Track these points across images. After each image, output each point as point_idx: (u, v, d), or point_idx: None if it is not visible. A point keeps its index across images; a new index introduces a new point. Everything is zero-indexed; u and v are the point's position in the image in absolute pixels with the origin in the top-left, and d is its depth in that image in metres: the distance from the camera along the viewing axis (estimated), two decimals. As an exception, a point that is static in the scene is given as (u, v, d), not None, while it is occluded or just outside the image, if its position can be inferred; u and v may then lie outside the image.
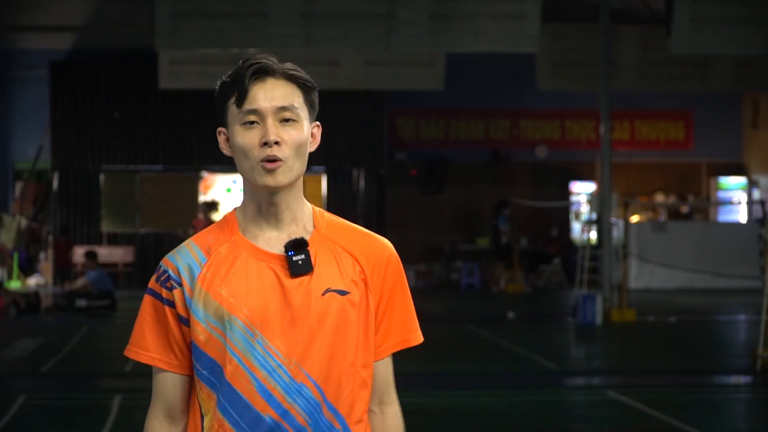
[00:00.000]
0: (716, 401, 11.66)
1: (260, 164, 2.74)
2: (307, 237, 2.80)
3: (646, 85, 23.94)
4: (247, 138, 2.75)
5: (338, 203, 25.77)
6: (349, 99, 24.79)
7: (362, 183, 26.41)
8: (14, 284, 22.03)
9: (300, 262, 2.76)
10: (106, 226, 26.30)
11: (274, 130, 2.74)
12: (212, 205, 24.65)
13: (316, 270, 2.77)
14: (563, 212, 28.28)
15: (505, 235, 26.19)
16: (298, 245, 2.77)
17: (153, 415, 2.84)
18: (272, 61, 2.80)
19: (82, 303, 19.81)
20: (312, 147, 2.82)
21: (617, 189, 24.58)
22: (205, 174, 26.63)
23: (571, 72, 23.17)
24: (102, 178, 26.23)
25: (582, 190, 28.18)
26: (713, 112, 28.31)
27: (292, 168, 2.75)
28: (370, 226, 25.66)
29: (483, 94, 27.69)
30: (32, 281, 23.89)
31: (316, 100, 2.84)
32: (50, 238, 24.96)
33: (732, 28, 17.63)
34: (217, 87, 2.85)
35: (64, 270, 24.31)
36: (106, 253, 25.35)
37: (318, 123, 2.85)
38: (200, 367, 2.77)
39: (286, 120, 2.76)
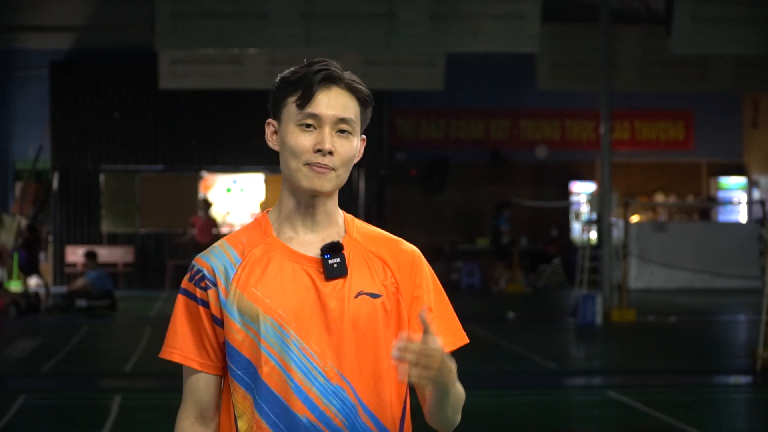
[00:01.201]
0: (716, 401, 11.66)
1: (307, 167, 2.75)
2: (337, 240, 2.81)
3: (646, 85, 23.93)
4: (300, 139, 2.76)
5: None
6: (349, 99, 24.74)
7: (362, 183, 26.42)
8: (14, 284, 22.01)
9: (335, 265, 2.77)
10: (106, 226, 26.30)
11: (330, 139, 2.75)
12: (210, 204, 24.68)
13: (349, 273, 2.78)
14: (563, 212, 28.28)
15: (506, 235, 26.19)
16: (333, 249, 2.78)
17: (184, 416, 2.83)
18: (338, 68, 2.80)
19: (82, 303, 19.81)
20: (356, 159, 2.83)
21: (617, 189, 24.59)
22: (205, 174, 26.63)
23: (571, 72, 23.16)
24: (102, 178, 26.22)
25: (582, 190, 28.18)
26: (713, 112, 28.31)
27: (338, 177, 2.78)
28: (370, 226, 25.65)
29: (483, 94, 27.69)
30: (32, 281, 23.88)
31: (369, 116, 2.85)
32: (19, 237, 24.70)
33: (732, 28, 17.62)
34: (277, 80, 2.83)
35: (32, 267, 24.18)
36: (106, 253, 25.35)
37: (364, 137, 2.86)
38: (235, 367, 2.76)
39: (342, 131, 2.77)
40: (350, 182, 26.35)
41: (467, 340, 2.91)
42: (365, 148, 2.90)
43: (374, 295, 2.79)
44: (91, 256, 21.10)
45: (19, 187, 26.39)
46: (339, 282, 2.77)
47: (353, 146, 2.79)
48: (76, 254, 25.19)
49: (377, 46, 18.31)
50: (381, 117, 26.17)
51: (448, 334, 2.86)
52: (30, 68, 26.34)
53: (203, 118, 25.80)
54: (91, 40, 25.91)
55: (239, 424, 2.77)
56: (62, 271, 25.46)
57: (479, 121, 28.02)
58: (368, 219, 26.32)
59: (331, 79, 2.77)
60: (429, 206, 27.59)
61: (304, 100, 2.76)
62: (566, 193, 28.15)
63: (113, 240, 26.19)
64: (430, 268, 2.91)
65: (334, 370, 2.74)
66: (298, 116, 2.76)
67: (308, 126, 2.76)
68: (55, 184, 25.95)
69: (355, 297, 2.77)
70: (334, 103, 2.76)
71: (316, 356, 2.74)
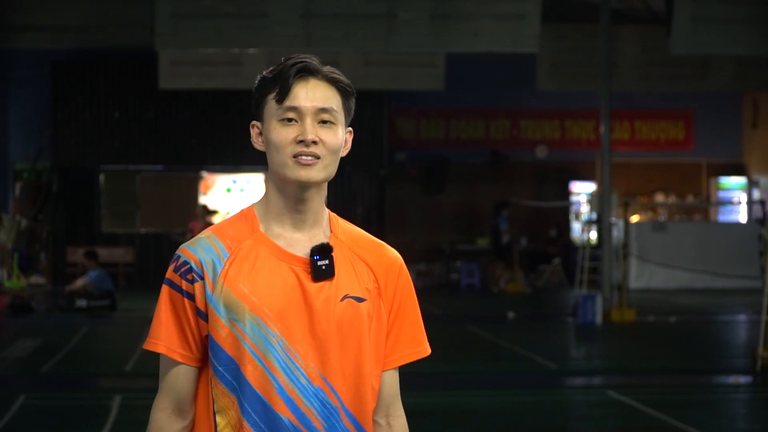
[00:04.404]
0: (716, 401, 11.66)
1: (293, 159, 2.74)
2: (326, 241, 2.80)
3: (646, 85, 23.93)
4: (282, 134, 2.76)
5: (338, 203, 25.76)
6: (349, 99, 24.73)
7: (362, 183, 26.41)
8: (14, 284, 22.00)
9: (324, 267, 2.76)
10: (106, 226, 26.29)
11: (312, 129, 2.74)
12: (211, 212, 24.63)
13: (335, 276, 2.78)
14: (563, 212, 28.28)
15: (505, 235, 26.18)
16: (323, 250, 2.77)
17: (160, 407, 2.81)
18: (315, 61, 2.81)
19: (82, 303, 19.80)
20: (343, 152, 2.82)
21: (617, 189, 24.58)
22: (205, 174, 26.63)
23: (571, 72, 23.16)
24: (102, 178, 26.22)
25: (582, 190, 28.18)
26: (713, 112, 28.31)
27: (327, 167, 2.76)
28: (370, 225, 25.66)
29: (483, 94, 27.68)
30: (32, 281, 23.86)
31: (353, 107, 2.85)
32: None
33: (732, 28, 17.62)
34: (257, 81, 2.84)
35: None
36: (106, 253, 25.33)
37: (350, 129, 2.85)
38: (217, 363, 2.75)
39: (324, 122, 2.76)
40: (350, 182, 26.35)
41: (429, 352, 2.93)
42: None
43: (359, 299, 2.78)
44: (91, 255, 21.08)
45: (19, 187, 26.39)
46: (325, 284, 2.76)
47: (338, 136, 2.77)
48: (76, 254, 25.17)
49: (377, 46, 18.32)
50: (381, 117, 26.16)
51: (414, 345, 2.89)
52: (30, 68, 26.33)
53: (203, 118, 25.79)
54: (91, 40, 25.89)
55: (218, 419, 2.76)
56: (62, 271, 25.44)
57: (479, 121, 28.02)
58: (368, 219, 26.37)
59: (307, 71, 2.78)
60: (429, 206, 27.58)
61: (283, 95, 2.76)
62: (566, 193, 28.14)
63: (113, 240, 26.18)
64: (409, 276, 2.92)
65: (317, 371, 2.73)
66: (279, 111, 2.77)
67: (289, 120, 2.76)
68: (55, 184, 25.95)
69: (341, 300, 2.76)
70: (312, 94, 2.76)
71: (299, 357, 2.73)
